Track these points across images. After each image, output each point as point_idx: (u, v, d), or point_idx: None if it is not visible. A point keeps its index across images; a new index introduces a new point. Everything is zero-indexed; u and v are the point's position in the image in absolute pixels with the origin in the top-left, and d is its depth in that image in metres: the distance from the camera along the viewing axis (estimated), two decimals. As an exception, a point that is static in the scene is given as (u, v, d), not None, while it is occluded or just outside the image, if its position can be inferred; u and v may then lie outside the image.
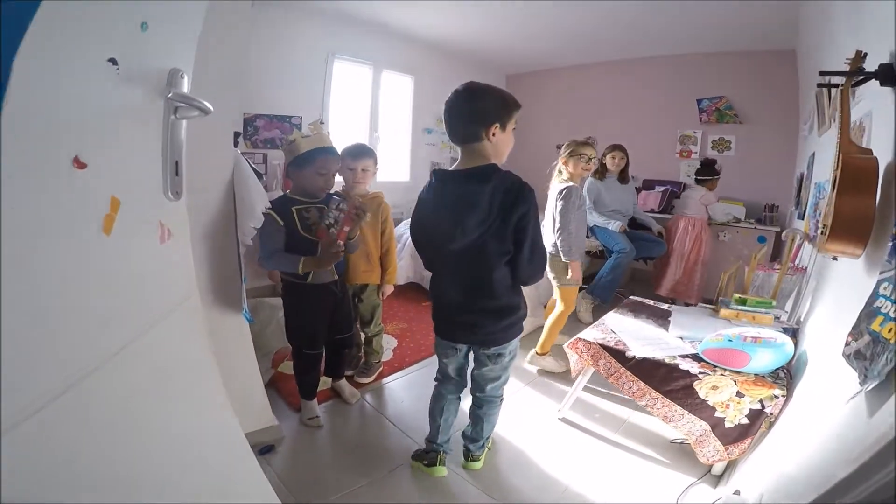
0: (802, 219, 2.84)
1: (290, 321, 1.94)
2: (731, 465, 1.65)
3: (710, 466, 1.67)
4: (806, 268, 2.20)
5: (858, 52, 1.13)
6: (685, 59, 4.48)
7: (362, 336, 2.43)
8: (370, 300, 2.29)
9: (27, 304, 0.44)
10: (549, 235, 2.47)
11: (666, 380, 1.70)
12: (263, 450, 1.78)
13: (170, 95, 0.66)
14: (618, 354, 1.82)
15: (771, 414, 1.47)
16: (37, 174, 0.46)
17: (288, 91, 3.90)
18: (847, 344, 1.07)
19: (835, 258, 1.17)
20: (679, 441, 1.86)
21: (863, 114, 1.46)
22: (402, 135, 5.04)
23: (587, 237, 3.49)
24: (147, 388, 0.66)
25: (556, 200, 2.45)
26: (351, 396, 2.20)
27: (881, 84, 1.11)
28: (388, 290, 2.30)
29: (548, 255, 2.43)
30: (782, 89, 3.91)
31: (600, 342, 1.88)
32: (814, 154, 2.69)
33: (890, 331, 0.89)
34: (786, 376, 1.59)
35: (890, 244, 0.97)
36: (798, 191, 3.19)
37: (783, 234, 2.44)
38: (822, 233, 1.17)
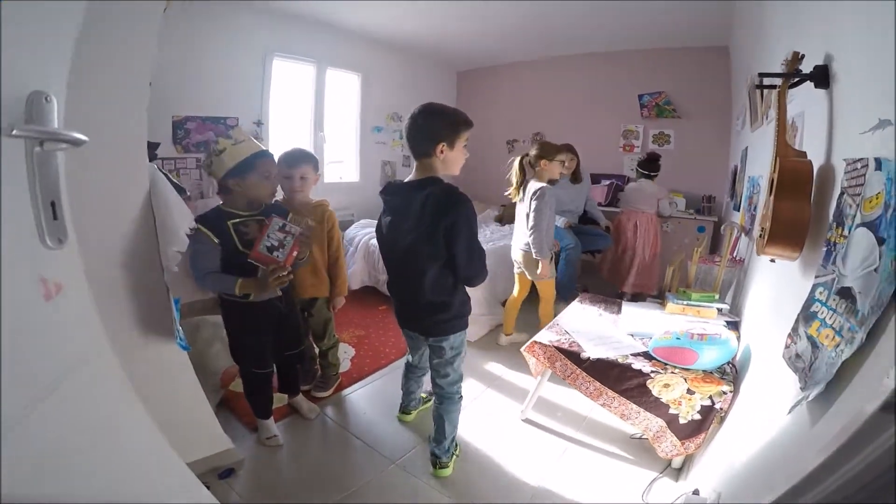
0: (738, 210, 3.00)
1: (233, 341, 1.82)
2: (689, 459, 1.72)
3: (670, 460, 1.73)
4: (744, 260, 2.32)
5: (796, 54, 1.14)
6: (627, 55, 4.61)
7: (316, 349, 2.32)
8: (321, 313, 2.19)
9: None
10: (522, 232, 2.62)
11: (620, 379, 1.73)
12: (223, 474, 1.72)
13: (13, 132, 0.52)
14: (573, 356, 1.84)
15: (721, 409, 1.53)
16: None
17: (223, 92, 3.66)
18: (786, 346, 1.12)
19: (772, 260, 1.21)
20: (638, 436, 1.91)
21: (795, 113, 1.50)
22: (350, 134, 4.88)
23: None
24: (65, 446, 0.57)
25: (531, 200, 2.55)
26: (309, 412, 2.11)
27: (815, 86, 1.14)
28: (339, 302, 2.20)
29: (521, 252, 2.68)
30: (716, 85, 4.10)
31: (555, 345, 1.89)
32: (747, 148, 2.84)
33: (827, 337, 0.92)
34: (731, 371, 1.66)
35: (824, 249, 1.01)
36: (733, 183, 3.37)
37: (722, 227, 2.55)
38: (760, 236, 1.21)
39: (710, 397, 1.56)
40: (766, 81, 1.37)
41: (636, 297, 3.38)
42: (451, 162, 1.54)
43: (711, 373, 1.65)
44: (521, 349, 2.01)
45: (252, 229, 1.64)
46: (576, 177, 3.55)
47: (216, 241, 1.56)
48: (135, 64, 1.29)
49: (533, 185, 2.60)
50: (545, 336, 1.96)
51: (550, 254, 2.64)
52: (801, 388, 0.96)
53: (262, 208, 1.69)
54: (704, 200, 4.04)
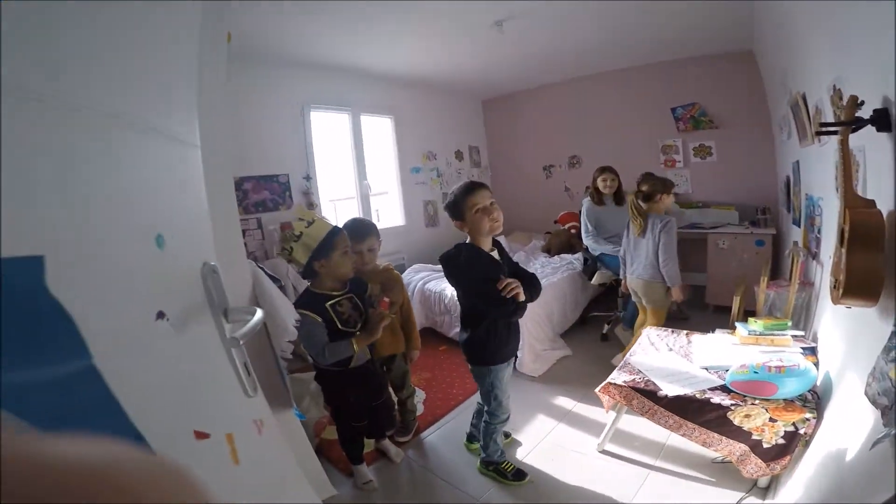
0: (798, 225, 2.95)
1: (332, 403, 2.02)
2: (776, 478, 1.74)
3: (756, 480, 1.75)
4: (813, 283, 2.30)
5: (854, 99, 1.16)
6: (653, 68, 4.58)
7: (395, 398, 2.49)
8: (399, 367, 2.36)
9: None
10: (641, 264, 2.86)
11: (700, 412, 1.78)
12: None
13: (241, 343, 0.69)
14: (650, 394, 1.90)
15: (805, 434, 1.55)
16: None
17: (270, 149, 3.81)
18: (868, 384, 1.16)
19: (849, 307, 1.26)
20: (720, 460, 1.94)
21: (854, 146, 1.48)
22: (390, 177, 5.04)
23: (599, 268, 3.57)
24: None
25: (660, 233, 2.71)
26: (396, 456, 2.27)
27: (877, 130, 1.17)
28: (415, 356, 2.37)
29: (641, 281, 2.83)
30: (748, 91, 4.04)
31: (631, 385, 1.95)
32: (798, 162, 2.82)
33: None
34: (814, 398, 1.67)
35: (902, 299, 1.07)
36: (788, 195, 3.32)
37: (786, 252, 2.53)
38: (834, 287, 1.26)
39: (794, 424, 1.58)
40: (826, 129, 1.40)
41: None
42: (474, 228, 1.75)
43: (793, 401, 1.67)
44: (596, 390, 2.09)
45: (346, 308, 1.82)
46: (619, 198, 3.56)
47: (320, 320, 1.74)
48: (214, 135, 1.44)
49: (656, 219, 2.75)
50: (619, 377, 2.03)
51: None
52: (884, 425, 1.01)
53: (347, 286, 1.86)
54: (759, 212, 3.93)
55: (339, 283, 1.84)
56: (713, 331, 2.40)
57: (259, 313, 0.77)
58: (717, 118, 4.39)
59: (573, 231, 4.56)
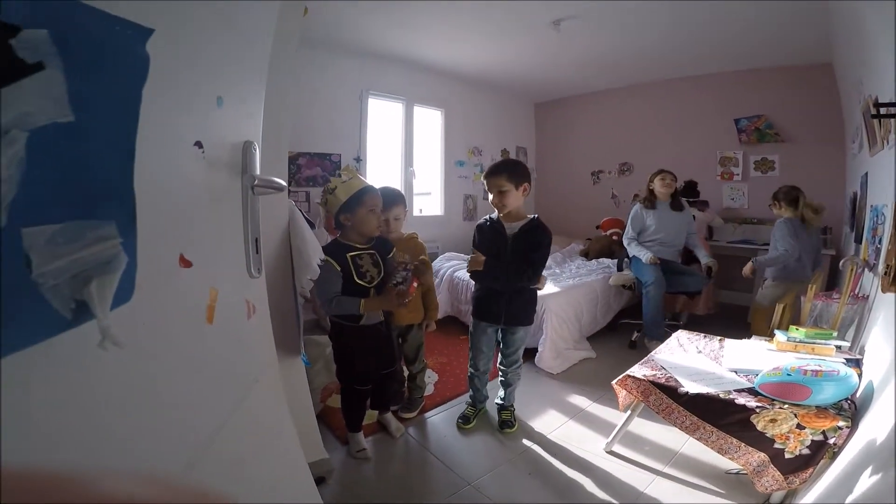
0: (860, 242, 2.69)
1: (340, 360, 2.02)
2: (791, 495, 1.57)
3: (769, 495, 1.58)
4: (867, 296, 2.08)
5: None
6: (718, 77, 4.43)
7: (406, 372, 2.47)
8: (414, 339, 2.35)
9: (159, 392, 0.50)
10: None
11: (721, 414, 1.63)
12: (315, 481, 1.83)
13: (256, 183, 0.70)
14: (669, 390, 1.77)
15: (835, 444, 1.39)
16: (149, 277, 0.50)
17: (327, 129, 4.06)
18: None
19: (897, 292, 1.12)
20: (735, 472, 1.79)
21: None
22: (435, 168, 5.15)
23: (623, 269, 3.44)
24: (249, 448, 0.71)
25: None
26: (396, 430, 2.23)
27: None
28: (432, 327, 2.37)
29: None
30: (823, 105, 3.81)
31: (650, 379, 1.83)
32: (866, 174, 2.58)
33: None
34: (850, 408, 1.50)
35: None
36: (853, 212, 3.04)
37: (841, 262, 2.31)
38: (885, 273, 1.13)
39: (823, 432, 1.41)
40: (885, 111, 1.28)
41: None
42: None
43: (826, 409, 1.50)
44: (613, 382, 1.98)
45: (365, 262, 1.86)
46: (676, 203, 3.39)
47: (338, 268, 1.78)
48: (282, 105, 1.53)
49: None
50: (639, 370, 1.91)
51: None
52: None
53: (372, 242, 1.91)
54: (822, 233, 3.62)
55: (363, 238, 1.89)
56: (749, 337, 2.22)
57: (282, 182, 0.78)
58: (784, 132, 4.13)
59: (615, 238, 4.42)
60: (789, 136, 4.11)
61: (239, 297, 0.74)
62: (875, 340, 1.75)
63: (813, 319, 2.18)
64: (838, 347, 1.86)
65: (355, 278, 1.81)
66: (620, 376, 1.94)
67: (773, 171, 4.19)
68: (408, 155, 4.75)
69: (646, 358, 2.07)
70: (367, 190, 1.85)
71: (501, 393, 2.36)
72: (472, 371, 2.34)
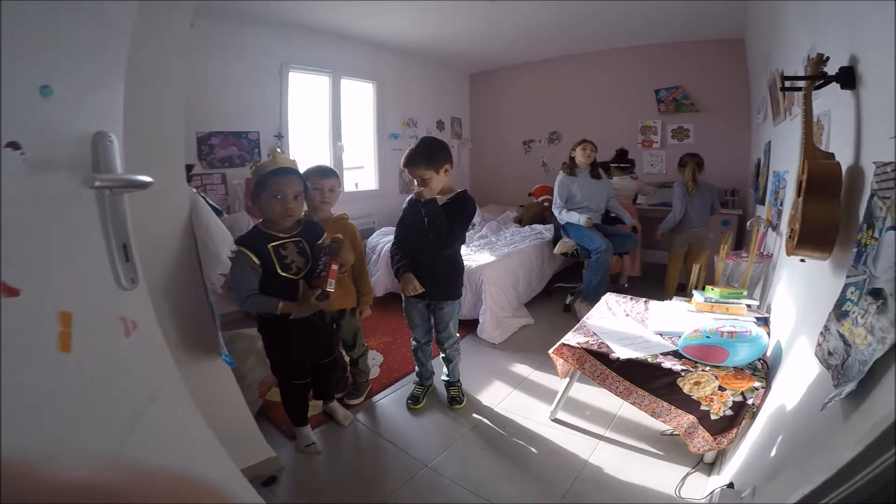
0: (762, 203, 2.97)
1: (273, 357, 1.89)
2: (721, 453, 1.73)
3: (702, 455, 1.75)
4: (771, 255, 2.31)
5: (819, 56, 1.14)
6: (643, 50, 4.59)
7: (347, 358, 2.40)
8: (349, 324, 2.26)
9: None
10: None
11: (650, 378, 1.75)
12: (266, 481, 1.78)
13: (96, 184, 0.57)
14: (602, 357, 1.86)
15: (753, 404, 1.54)
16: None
17: (243, 106, 3.77)
18: (819, 344, 1.13)
19: (802, 260, 1.22)
20: (669, 433, 1.93)
21: (821, 111, 1.50)
22: (367, 142, 4.96)
23: (562, 237, 3.55)
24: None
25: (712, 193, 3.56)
26: (344, 418, 2.18)
27: (841, 87, 1.15)
28: (367, 312, 2.27)
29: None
30: (733, 77, 4.08)
31: (584, 346, 1.91)
32: (770, 142, 2.81)
33: (859, 336, 0.94)
34: (763, 367, 1.66)
35: (854, 250, 1.02)
36: (756, 176, 3.34)
37: (748, 223, 2.53)
38: (790, 237, 1.22)
39: (742, 393, 1.56)
40: (790, 84, 1.36)
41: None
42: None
43: (743, 369, 1.65)
44: (549, 352, 2.05)
45: (290, 251, 1.68)
46: (594, 172, 3.53)
47: (257, 261, 1.60)
48: (170, 87, 1.34)
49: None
50: (573, 338, 1.99)
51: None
52: (834, 386, 0.98)
53: (299, 228, 1.73)
54: (728, 194, 3.98)
55: (285, 225, 1.70)
56: (670, 298, 2.38)
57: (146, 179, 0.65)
58: (699, 102, 4.41)
59: (546, 204, 4.55)
60: (703, 107, 4.40)
61: (108, 315, 0.63)
62: (779, 298, 1.95)
63: (725, 278, 2.38)
64: (749, 306, 2.05)
65: (279, 270, 1.64)
66: (556, 345, 2.01)
67: (688, 138, 4.48)
68: (336, 129, 4.51)
69: (578, 324, 2.16)
70: (278, 172, 1.62)
71: (445, 370, 2.37)
72: (415, 345, 2.34)
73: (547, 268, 3.84)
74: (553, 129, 5.37)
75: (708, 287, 2.20)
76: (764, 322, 1.98)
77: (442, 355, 2.35)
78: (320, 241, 1.75)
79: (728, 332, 1.69)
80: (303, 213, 1.96)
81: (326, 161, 4.45)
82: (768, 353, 1.72)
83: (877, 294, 0.90)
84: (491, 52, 5.09)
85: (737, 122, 4.12)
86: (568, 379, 2.09)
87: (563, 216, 3.51)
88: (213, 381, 1.65)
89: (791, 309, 1.65)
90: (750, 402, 1.55)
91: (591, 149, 3.44)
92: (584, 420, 2.15)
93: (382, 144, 4.98)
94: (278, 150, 1.77)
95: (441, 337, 2.27)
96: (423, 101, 5.38)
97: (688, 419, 1.67)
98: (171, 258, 1.42)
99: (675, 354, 1.79)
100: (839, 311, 1.05)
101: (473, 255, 3.48)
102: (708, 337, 1.71)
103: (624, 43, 4.58)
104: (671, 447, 1.91)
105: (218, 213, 1.68)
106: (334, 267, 1.64)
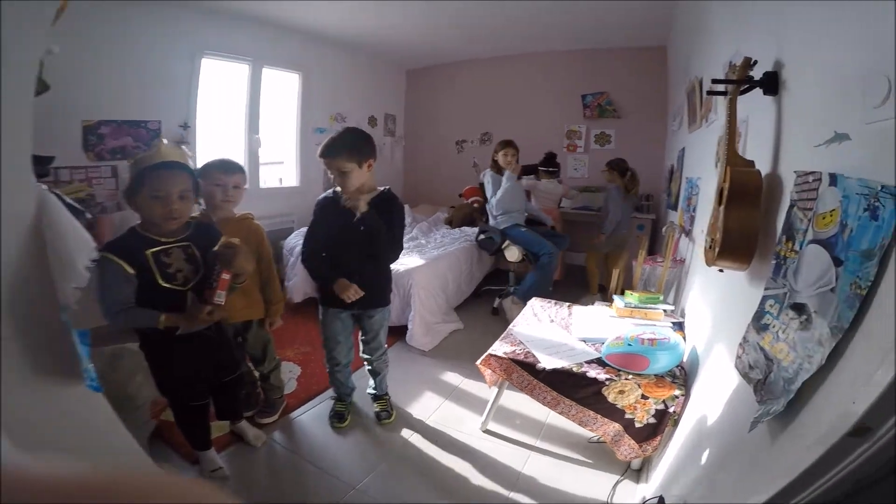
0: (675, 209, 3.12)
1: (158, 376, 1.61)
2: (647, 460, 1.76)
3: (629, 462, 1.75)
4: (684, 260, 2.39)
5: (747, 60, 1.12)
6: (573, 55, 4.69)
7: (256, 374, 2.14)
8: (257, 337, 2.01)
9: None
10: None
11: (577, 387, 1.72)
12: None
13: None
14: (529, 367, 1.81)
15: (675, 412, 1.56)
16: None
17: (146, 94, 3.32)
18: (738, 356, 1.12)
19: (721, 270, 1.21)
20: (596, 440, 1.92)
21: (739, 119, 1.53)
22: (289, 136, 4.62)
23: (507, 245, 3.48)
24: None
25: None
26: (255, 439, 1.95)
27: (764, 93, 1.15)
28: (277, 323, 2.03)
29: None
30: (654, 85, 4.30)
31: (511, 357, 1.85)
32: (684, 149, 2.94)
33: (781, 351, 0.92)
34: (682, 374, 1.69)
35: (773, 262, 1.01)
36: (669, 182, 3.51)
37: (663, 229, 2.62)
38: (710, 247, 1.21)
39: (664, 401, 1.58)
40: (717, 88, 1.35)
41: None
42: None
43: (663, 377, 1.67)
44: (477, 363, 1.96)
45: (175, 258, 1.43)
46: (518, 174, 3.52)
47: (131, 271, 1.34)
48: (10, 72, 1.07)
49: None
50: (500, 348, 1.92)
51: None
52: (758, 401, 0.96)
53: (188, 231, 1.48)
54: (643, 199, 4.17)
55: (168, 227, 1.43)
56: (592, 303, 2.40)
57: None
58: (621, 108, 4.58)
59: (476, 205, 4.50)
60: (624, 113, 4.58)
61: None
62: (694, 304, 2.00)
63: (643, 283, 2.44)
64: (665, 311, 2.10)
65: (160, 280, 1.39)
66: (483, 356, 1.92)
67: (609, 144, 4.66)
68: (253, 121, 4.13)
69: (505, 332, 2.09)
70: (157, 167, 1.36)
71: (372, 383, 2.21)
72: (332, 367, 2.10)
73: (476, 271, 3.79)
74: (485, 129, 5.36)
75: (627, 292, 2.23)
76: (679, 327, 2.03)
77: (368, 368, 2.19)
78: (217, 247, 1.48)
79: (648, 339, 1.70)
80: (197, 213, 1.71)
81: (240, 155, 4.06)
82: (685, 360, 1.75)
83: (799, 309, 0.88)
84: (429, 49, 4.96)
85: (654, 129, 4.34)
86: (497, 388, 2.01)
87: (501, 220, 3.46)
88: (80, 409, 1.36)
89: (706, 316, 1.69)
90: (671, 410, 1.56)
91: (513, 153, 3.40)
92: (515, 430, 2.10)
93: (306, 139, 4.65)
94: (164, 141, 1.49)
95: (370, 348, 2.11)
96: (355, 95, 5.13)
97: (614, 427, 1.66)
98: (14, 269, 1.12)
99: (600, 362, 1.77)
100: (759, 324, 1.04)
101: (402, 259, 3.31)
102: (629, 345, 1.71)
103: (557, 46, 4.64)
104: (600, 454, 1.90)
105: (78, 213, 1.36)
106: (225, 276, 1.41)
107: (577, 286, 4.09)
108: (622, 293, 2.28)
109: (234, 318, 1.88)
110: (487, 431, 2.07)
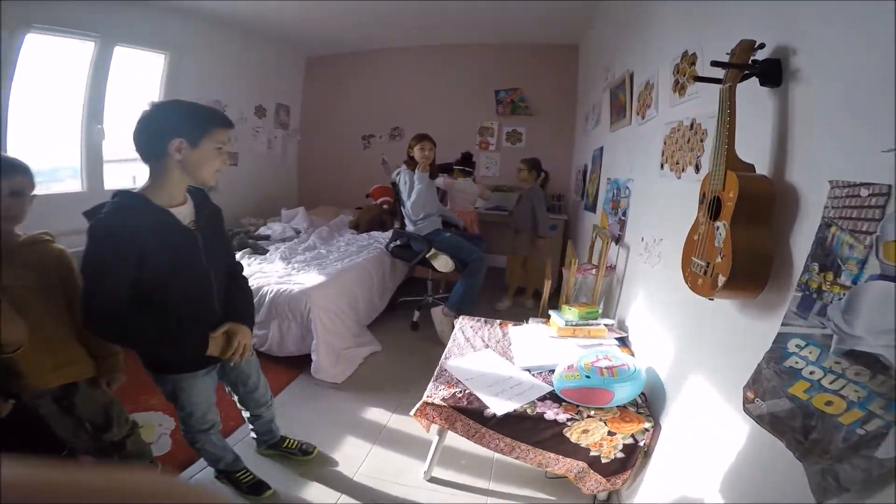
0: (591, 210, 3.05)
1: None
2: (616, 492, 1.56)
3: (595, 495, 1.54)
4: (614, 266, 2.27)
5: (751, 43, 0.92)
6: (487, 48, 4.47)
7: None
8: (90, 401, 1.41)
9: None
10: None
11: (534, 431, 1.47)
12: None
13: None
14: (475, 414, 1.50)
15: (645, 445, 1.40)
16: None
17: None
18: (749, 400, 0.92)
19: (711, 299, 1.01)
20: (553, 476, 1.68)
21: (697, 114, 1.39)
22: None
23: (435, 254, 3.11)
24: None
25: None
26: None
27: (761, 83, 0.95)
28: (118, 380, 1.45)
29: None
30: (564, 83, 4.26)
31: (452, 404, 1.52)
32: (602, 148, 2.86)
33: (834, 407, 0.72)
34: (644, 402, 1.53)
35: (799, 295, 0.81)
36: (584, 182, 3.46)
37: (594, 234, 2.47)
38: (703, 273, 0.99)
39: (633, 435, 1.40)
40: (706, 75, 1.14)
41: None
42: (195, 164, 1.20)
43: (626, 407, 1.49)
44: (411, 413, 1.59)
45: None
46: (433, 171, 3.20)
47: None
48: None
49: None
50: (436, 393, 1.57)
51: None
52: (799, 458, 0.78)
53: None
54: (555, 199, 4.12)
55: None
56: (527, 320, 2.17)
57: None
58: (533, 106, 4.47)
59: (385, 206, 4.10)
60: (536, 110, 4.48)
61: None
62: (638, 319, 1.86)
63: (575, 293, 2.28)
64: (607, 325, 1.93)
65: None
66: (417, 406, 1.57)
67: (520, 142, 4.55)
68: (95, 109, 3.22)
69: (437, 370, 1.75)
70: None
71: (263, 436, 1.81)
72: (207, 430, 1.53)
73: (390, 281, 3.38)
74: (395, 124, 4.93)
75: (564, 307, 2.03)
76: (623, 342, 1.88)
77: (256, 422, 1.76)
78: None
79: (606, 368, 1.50)
80: None
81: (75, 149, 3.16)
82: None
83: (861, 359, 0.68)
84: (333, 35, 4.41)
85: (563, 128, 4.32)
86: (436, 435, 1.67)
87: (429, 223, 3.12)
88: None
89: (665, 338, 1.54)
90: (641, 443, 1.39)
91: (430, 147, 3.07)
92: (463, 472, 1.78)
93: (173, 131, 3.82)
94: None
95: (255, 397, 1.65)
96: (239, 82, 4.36)
97: (578, 465, 1.46)
98: None
99: (554, 398, 1.53)
100: (781, 367, 0.84)
101: (296, 276, 2.79)
102: (588, 377, 1.48)
103: (470, 39, 4.39)
104: (562, 489, 1.67)
105: None
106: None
107: (492, 289, 3.90)
108: (554, 306, 2.07)
109: (46, 383, 1.28)
110: (433, 480, 1.73)
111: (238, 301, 1.43)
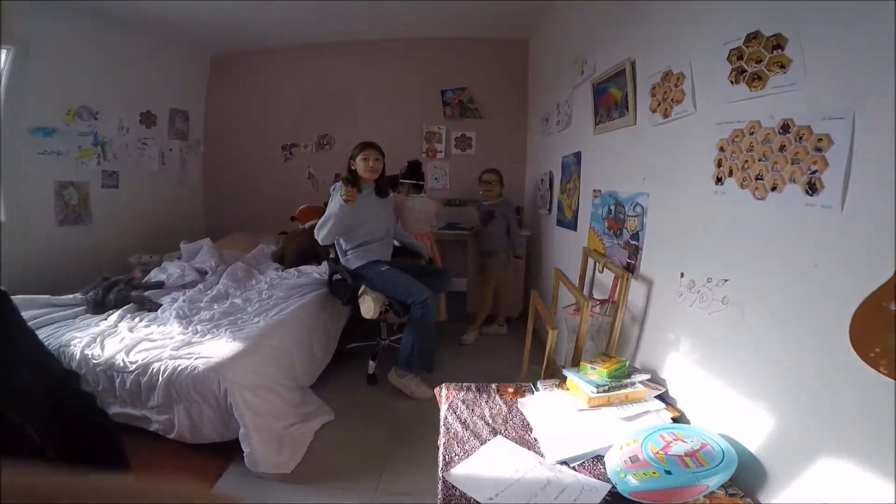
0: (569, 227, 2.63)
1: None
2: None
3: None
4: (616, 300, 1.81)
5: None
6: (430, 43, 3.98)
7: None
8: None
9: None
10: None
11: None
12: None
13: None
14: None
15: None
16: None
17: None
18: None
19: None
20: None
21: (797, 114, 1.00)
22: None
23: (365, 291, 2.50)
24: None
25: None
26: None
27: None
28: None
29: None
30: (513, 82, 3.88)
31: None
32: (579, 153, 2.46)
33: None
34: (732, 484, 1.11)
35: None
36: (550, 192, 3.06)
37: (600, 265, 1.96)
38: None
39: None
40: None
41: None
42: None
43: (713, 492, 1.07)
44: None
45: None
46: (381, 188, 2.58)
47: None
48: None
49: None
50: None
51: None
52: None
53: None
54: (515, 212, 3.67)
55: None
56: (535, 385, 1.62)
57: None
58: (482, 107, 4.02)
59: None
60: (486, 113, 4.03)
61: None
62: (685, 372, 1.44)
63: (591, 337, 1.83)
64: (642, 382, 1.50)
65: None
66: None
67: (470, 149, 4.07)
68: None
69: (440, 489, 1.16)
70: None
71: None
72: None
73: (333, 328, 2.70)
74: (323, 131, 4.22)
75: (586, 365, 1.53)
76: (663, 400, 1.46)
77: None
78: None
79: (688, 455, 1.06)
80: None
81: None
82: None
83: None
84: (245, 28, 3.68)
85: (516, 131, 3.94)
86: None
87: (354, 256, 2.51)
88: None
89: (754, 402, 1.12)
90: None
91: (376, 157, 2.46)
92: None
93: (19, 144, 2.88)
94: None
95: None
96: (119, 83, 3.50)
97: None
98: None
99: (617, 499, 1.06)
100: None
101: (201, 345, 2.02)
102: (668, 472, 1.03)
103: (411, 33, 3.85)
104: None
105: None
106: None
107: (452, 318, 3.40)
108: (576, 365, 1.58)
109: None
110: None
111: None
